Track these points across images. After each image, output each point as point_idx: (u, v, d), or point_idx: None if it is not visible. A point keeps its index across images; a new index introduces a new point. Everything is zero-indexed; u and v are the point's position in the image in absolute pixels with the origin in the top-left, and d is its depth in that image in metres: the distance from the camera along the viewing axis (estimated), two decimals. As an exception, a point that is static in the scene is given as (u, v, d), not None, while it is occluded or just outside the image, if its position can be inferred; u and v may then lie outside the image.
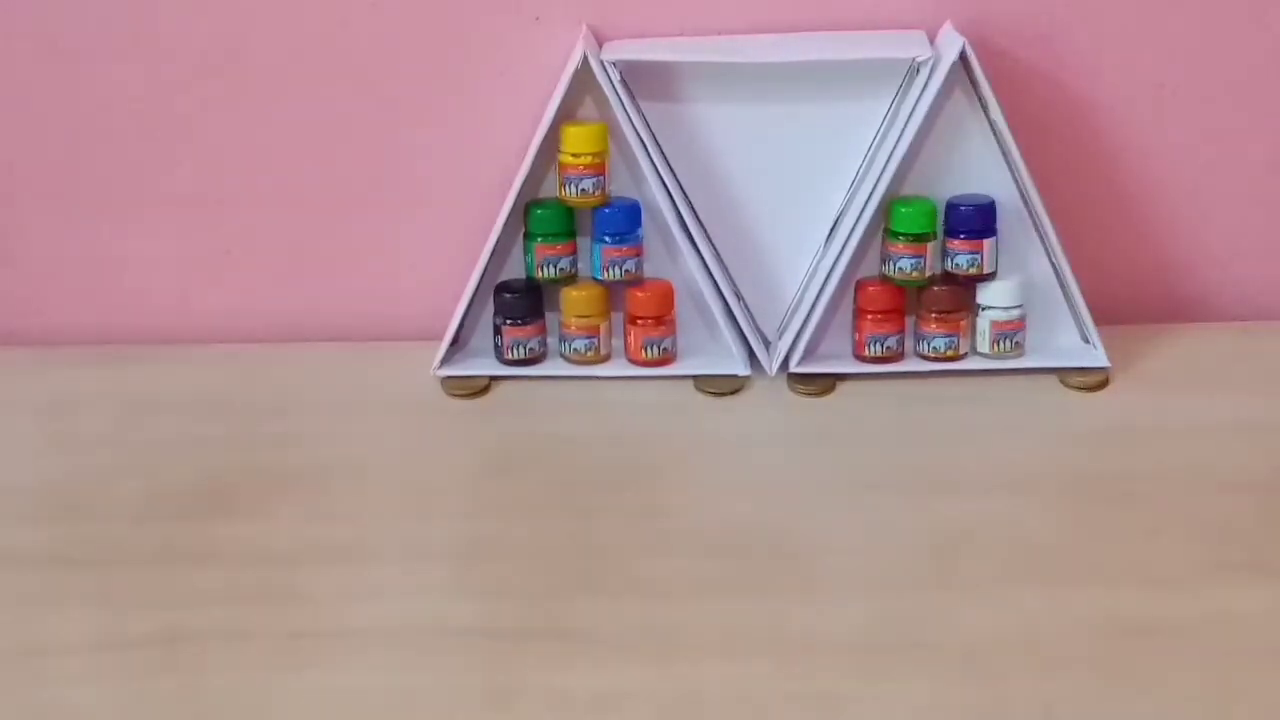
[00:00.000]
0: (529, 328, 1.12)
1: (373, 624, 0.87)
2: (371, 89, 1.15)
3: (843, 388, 1.11)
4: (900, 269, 1.10)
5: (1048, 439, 1.05)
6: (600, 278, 1.11)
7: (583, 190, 1.09)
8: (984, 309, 1.11)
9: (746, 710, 0.80)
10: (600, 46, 1.10)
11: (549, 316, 1.13)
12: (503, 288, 1.12)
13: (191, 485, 1.01)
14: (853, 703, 0.80)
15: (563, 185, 1.10)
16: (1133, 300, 1.19)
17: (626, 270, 1.11)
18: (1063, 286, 1.12)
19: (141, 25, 1.14)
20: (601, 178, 1.09)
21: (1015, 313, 1.10)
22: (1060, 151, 1.15)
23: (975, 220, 1.09)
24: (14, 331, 1.21)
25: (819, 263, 1.12)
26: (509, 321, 1.12)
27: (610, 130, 1.09)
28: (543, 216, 1.11)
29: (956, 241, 1.10)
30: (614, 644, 0.85)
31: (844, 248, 1.09)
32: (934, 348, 1.11)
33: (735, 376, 1.11)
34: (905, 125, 1.07)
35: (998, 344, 1.11)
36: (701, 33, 1.13)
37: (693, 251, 1.10)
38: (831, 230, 1.12)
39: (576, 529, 0.95)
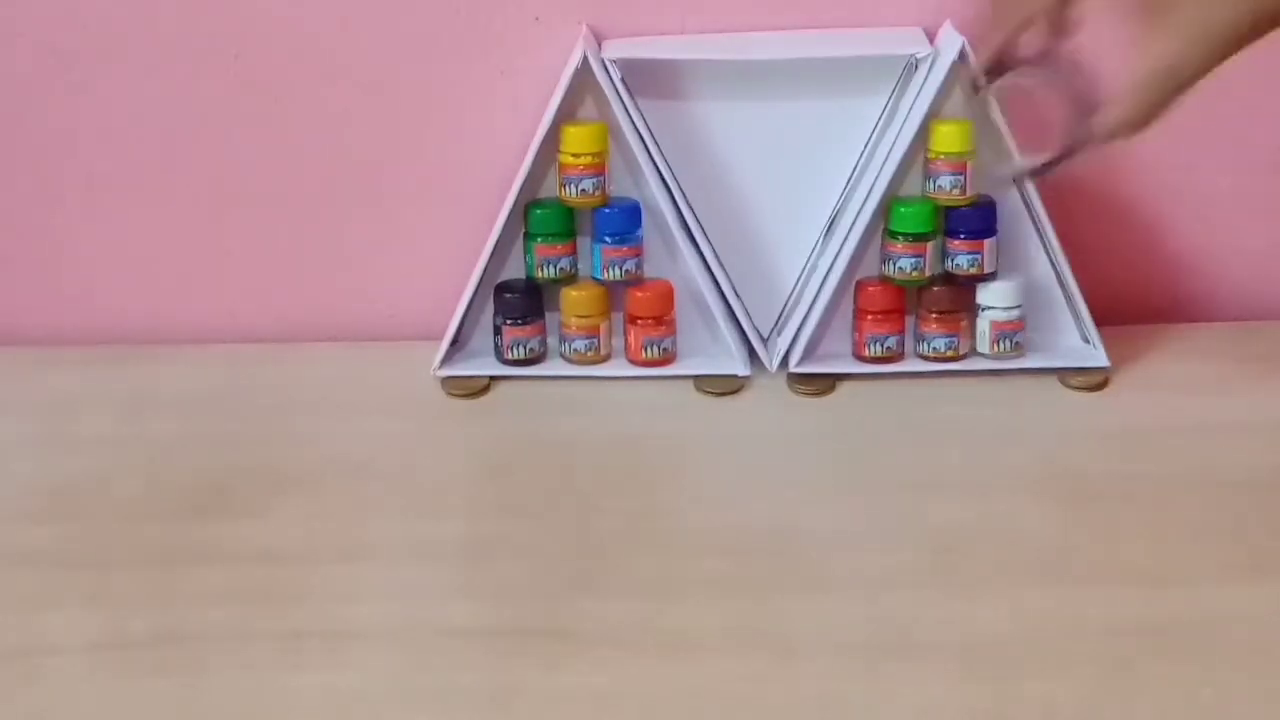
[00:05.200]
0: (529, 328, 1.12)
1: (373, 624, 0.87)
2: (371, 89, 1.15)
3: (843, 388, 1.11)
4: (900, 269, 1.10)
5: (1048, 439, 1.05)
6: (600, 278, 1.11)
7: (583, 190, 1.09)
8: (984, 309, 1.11)
9: (746, 710, 0.80)
10: (600, 46, 1.11)
11: (549, 316, 1.13)
12: (503, 288, 1.12)
13: (191, 485, 1.01)
14: (853, 703, 0.80)
15: (563, 185, 1.10)
16: (1133, 300, 1.19)
17: (626, 270, 1.11)
18: (1063, 286, 1.12)
19: (142, 25, 1.14)
20: (601, 178, 1.09)
21: (1015, 313, 1.11)
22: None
23: (975, 220, 1.09)
24: (14, 331, 1.21)
25: (817, 260, 1.12)
26: (509, 321, 1.12)
27: (610, 130, 1.09)
28: (543, 216, 1.11)
29: (956, 241, 1.10)
30: (614, 644, 0.85)
31: (843, 247, 1.09)
32: (934, 348, 1.11)
33: (735, 376, 1.11)
34: (904, 124, 1.07)
35: (998, 344, 1.11)
36: (701, 32, 1.13)
37: (693, 251, 1.10)
38: (830, 227, 1.12)
39: (576, 529, 0.95)
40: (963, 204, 1.09)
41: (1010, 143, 1.06)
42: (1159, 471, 0.99)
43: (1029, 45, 0.87)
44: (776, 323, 1.15)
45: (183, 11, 1.14)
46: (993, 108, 0.99)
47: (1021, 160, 0.92)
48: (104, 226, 1.19)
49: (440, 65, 1.14)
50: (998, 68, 0.88)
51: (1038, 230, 1.11)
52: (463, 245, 1.12)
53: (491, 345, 1.13)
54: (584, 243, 1.12)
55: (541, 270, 1.11)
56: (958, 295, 1.11)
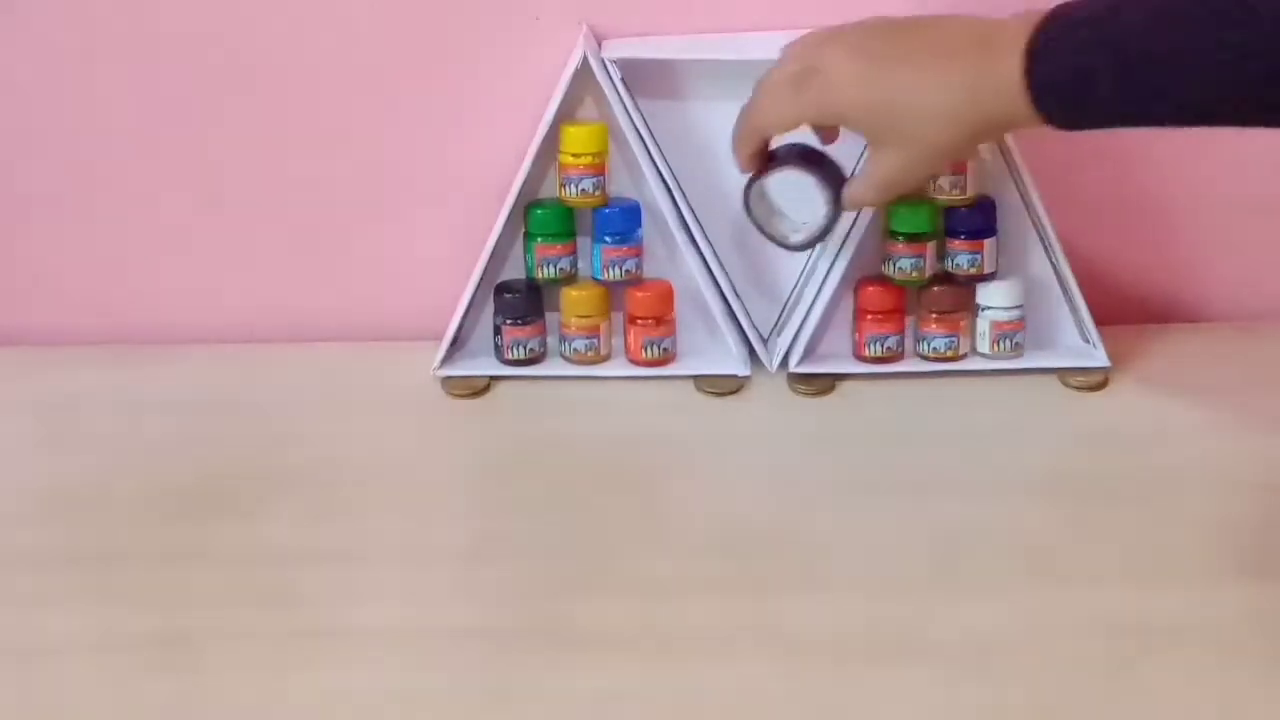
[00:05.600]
0: (529, 328, 1.12)
1: (373, 624, 0.87)
2: (372, 89, 1.15)
3: (843, 388, 1.11)
4: (900, 269, 1.10)
5: (1048, 439, 1.05)
6: (600, 278, 1.11)
7: (583, 190, 1.09)
8: (984, 309, 1.11)
9: (746, 710, 0.80)
10: (600, 46, 1.11)
11: (549, 316, 1.13)
12: (503, 288, 1.12)
13: (191, 485, 1.01)
14: (853, 703, 0.80)
15: (563, 185, 1.10)
16: (1133, 300, 1.19)
17: (626, 270, 1.11)
18: (1063, 286, 1.12)
19: (142, 26, 1.14)
20: (601, 178, 1.09)
21: (1015, 313, 1.11)
22: (1060, 151, 1.15)
23: (975, 220, 1.09)
24: (14, 331, 1.21)
25: (817, 260, 1.12)
26: (509, 321, 1.12)
27: (610, 130, 1.09)
28: (543, 216, 1.11)
29: (956, 241, 1.10)
30: (614, 644, 0.85)
31: (843, 247, 1.09)
32: (934, 348, 1.11)
33: (735, 376, 1.11)
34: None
35: (998, 344, 1.11)
36: (701, 31, 1.13)
37: (693, 251, 1.10)
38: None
39: (577, 529, 0.95)
40: (963, 204, 1.09)
41: (782, 221, 1.06)
42: (1159, 471, 0.99)
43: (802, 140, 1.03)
44: (776, 323, 1.15)
45: (183, 11, 1.14)
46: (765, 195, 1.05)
47: (793, 237, 1.05)
48: (104, 226, 1.19)
49: (440, 65, 1.14)
50: (765, 162, 1.03)
51: (1038, 230, 1.11)
52: (463, 245, 1.12)
53: (491, 345, 1.13)
54: (584, 243, 1.12)
55: (541, 270, 1.11)
56: (958, 295, 1.11)
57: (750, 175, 1.04)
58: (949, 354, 1.11)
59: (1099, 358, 1.11)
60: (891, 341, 1.11)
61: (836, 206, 1.02)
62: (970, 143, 0.95)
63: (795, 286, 1.14)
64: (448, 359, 1.13)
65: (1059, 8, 0.88)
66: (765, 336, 1.14)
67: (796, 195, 1.05)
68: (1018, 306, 1.10)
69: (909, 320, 1.12)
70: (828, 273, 1.09)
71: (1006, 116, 0.90)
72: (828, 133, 1.03)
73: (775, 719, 0.79)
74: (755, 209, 1.05)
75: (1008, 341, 1.11)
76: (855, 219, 1.08)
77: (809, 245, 1.06)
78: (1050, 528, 0.94)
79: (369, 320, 1.20)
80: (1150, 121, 0.88)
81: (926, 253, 1.10)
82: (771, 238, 1.06)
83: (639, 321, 1.12)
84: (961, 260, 1.10)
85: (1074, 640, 0.84)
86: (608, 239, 1.10)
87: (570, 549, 0.93)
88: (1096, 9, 0.86)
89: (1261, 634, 0.84)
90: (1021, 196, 1.10)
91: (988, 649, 0.83)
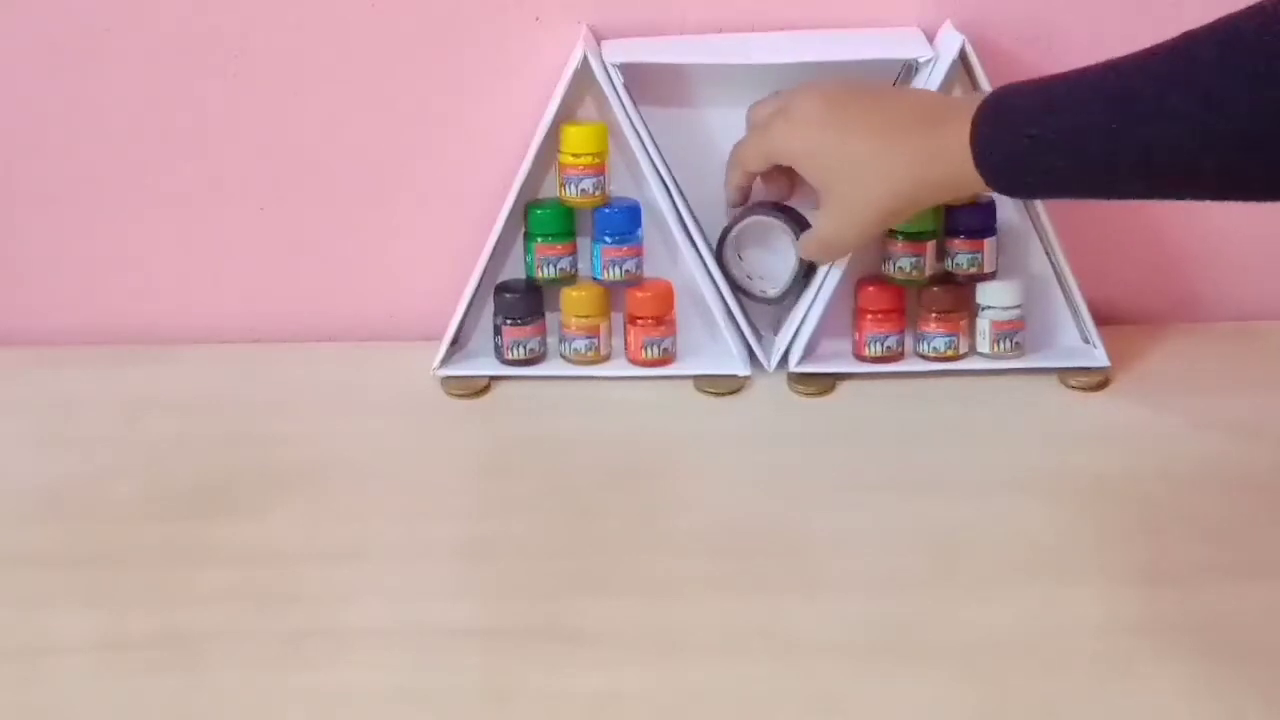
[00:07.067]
0: (529, 328, 1.12)
1: (373, 624, 0.87)
2: (372, 89, 1.15)
3: (843, 388, 1.11)
4: (900, 269, 1.10)
5: (1048, 439, 1.05)
6: (600, 278, 1.11)
7: (583, 190, 1.09)
8: (984, 309, 1.11)
9: (746, 710, 0.80)
10: (600, 45, 1.11)
11: (549, 316, 1.13)
12: (503, 288, 1.12)
13: (191, 485, 1.01)
14: (853, 703, 0.80)
15: (563, 185, 1.10)
16: (1133, 300, 1.19)
17: (626, 270, 1.11)
18: (1063, 286, 1.12)
19: (141, 25, 1.14)
20: (601, 178, 1.09)
21: (1015, 313, 1.11)
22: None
23: (975, 220, 1.09)
24: (14, 331, 1.21)
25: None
26: (509, 321, 1.12)
27: (610, 130, 1.09)
28: (543, 216, 1.11)
29: (956, 241, 1.10)
30: (614, 644, 0.85)
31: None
32: (934, 348, 1.11)
33: (735, 376, 1.11)
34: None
35: (998, 344, 1.11)
36: (700, 30, 1.13)
37: (693, 251, 1.10)
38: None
39: (577, 528, 0.95)
40: (962, 203, 1.09)
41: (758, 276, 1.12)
42: (1159, 471, 0.99)
43: (772, 191, 1.09)
44: (776, 323, 1.15)
45: (182, 10, 1.14)
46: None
47: (770, 290, 1.11)
48: (104, 226, 1.19)
49: (440, 65, 1.14)
50: (744, 205, 1.10)
51: (1038, 230, 1.11)
52: (463, 245, 1.12)
53: (491, 345, 1.13)
54: (584, 243, 1.12)
55: (541, 270, 1.11)
56: (958, 295, 1.11)
57: (721, 232, 1.10)
58: (949, 354, 1.11)
59: (1099, 358, 1.11)
60: (891, 341, 1.11)
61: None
62: (907, 210, 1.00)
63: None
64: (448, 359, 1.13)
65: (1005, 85, 0.93)
66: (765, 336, 1.14)
67: (769, 248, 1.10)
68: (1018, 306, 1.10)
69: (909, 320, 1.12)
70: (827, 272, 1.09)
71: (950, 181, 0.95)
72: (784, 186, 1.08)
73: (775, 719, 0.79)
74: (730, 265, 1.11)
75: (1008, 341, 1.11)
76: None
77: (784, 297, 1.11)
78: (1050, 528, 0.94)
79: (369, 320, 1.20)
80: (1087, 193, 0.93)
81: (926, 252, 1.10)
82: (748, 293, 1.11)
83: (639, 321, 1.12)
84: (961, 260, 1.10)
85: (1074, 640, 0.84)
86: (608, 239, 1.10)
87: (570, 549, 0.93)
88: (1039, 84, 0.90)
89: (1261, 634, 0.84)
90: (1021, 196, 1.10)
91: (988, 649, 0.83)
